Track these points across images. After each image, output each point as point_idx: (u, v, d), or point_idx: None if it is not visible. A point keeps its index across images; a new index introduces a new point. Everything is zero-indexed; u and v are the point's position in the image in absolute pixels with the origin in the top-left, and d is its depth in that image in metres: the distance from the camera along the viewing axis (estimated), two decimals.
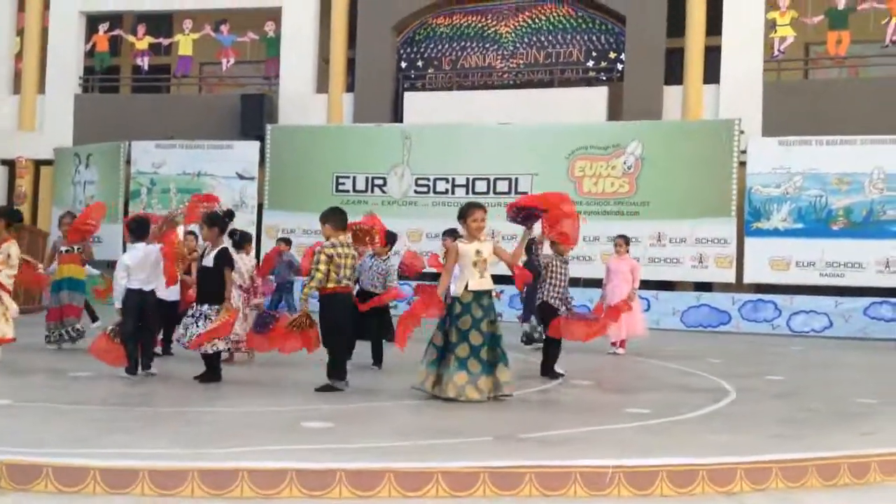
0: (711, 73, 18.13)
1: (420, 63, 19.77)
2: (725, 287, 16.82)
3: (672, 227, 16.66)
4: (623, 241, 11.44)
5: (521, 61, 19.26)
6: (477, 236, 6.95)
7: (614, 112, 18.36)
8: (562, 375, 8.31)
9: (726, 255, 16.40)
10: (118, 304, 7.65)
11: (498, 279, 7.55)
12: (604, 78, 18.82)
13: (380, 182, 18.12)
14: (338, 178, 18.27)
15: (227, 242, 7.79)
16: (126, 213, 19.11)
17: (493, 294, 6.97)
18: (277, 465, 4.13)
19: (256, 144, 18.75)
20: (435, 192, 17.87)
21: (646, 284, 16.62)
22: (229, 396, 6.55)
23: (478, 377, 6.72)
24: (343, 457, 4.38)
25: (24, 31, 21.31)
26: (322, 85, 20.07)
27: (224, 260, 7.45)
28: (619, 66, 18.58)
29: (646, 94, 18.12)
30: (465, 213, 7.06)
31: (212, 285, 7.37)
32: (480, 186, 17.68)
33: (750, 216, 16.43)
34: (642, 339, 11.39)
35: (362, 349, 8.61)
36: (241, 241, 9.15)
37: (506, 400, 6.70)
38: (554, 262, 8.86)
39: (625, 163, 17.02)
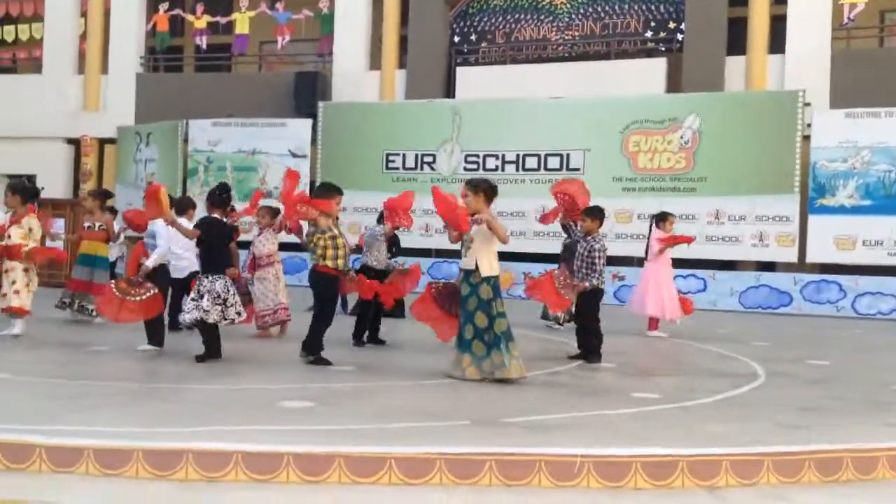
0: (776, 43, 17.31)
1: (473, 37, 19.44)
2: (787, 267, 16.13)
3: (731, 203, 16.00)
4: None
5: (576, 33, 18.76)
6: None
7: (673, 84, 17.73)
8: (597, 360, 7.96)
9: (788, 233, 15.67)
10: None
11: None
12: (663, 49, 18.21)
13: (429, 159, 17.89)
14: (388, 155, 18.11)
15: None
16: (184, 190, 19.40)
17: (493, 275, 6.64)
18: (224, 447, 3.98)
19: (309, 122, 18.73)
20: (485, 169, 17.53)
21: (703, 264, 16.13)
22: (223, 374, 6.45)
23: (482, 359, 6.50)
24: (305, 439, 4.22)
25: (87, 13, 21.72)
26: (375, 62, 19.94)
27: None
28: (679, 37, 17.93)
29: (707, 66, 17.42)
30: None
31: None
32: (531, 163, 17.30)
33: (814, 192, 15.64)
34: (673, 323, 10.87)
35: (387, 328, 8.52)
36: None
37: (511, 382, 6.46)
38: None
39: (682, 137, 16.39)
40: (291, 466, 3.93)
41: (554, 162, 17.18)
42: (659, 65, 17.89)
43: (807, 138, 15.66)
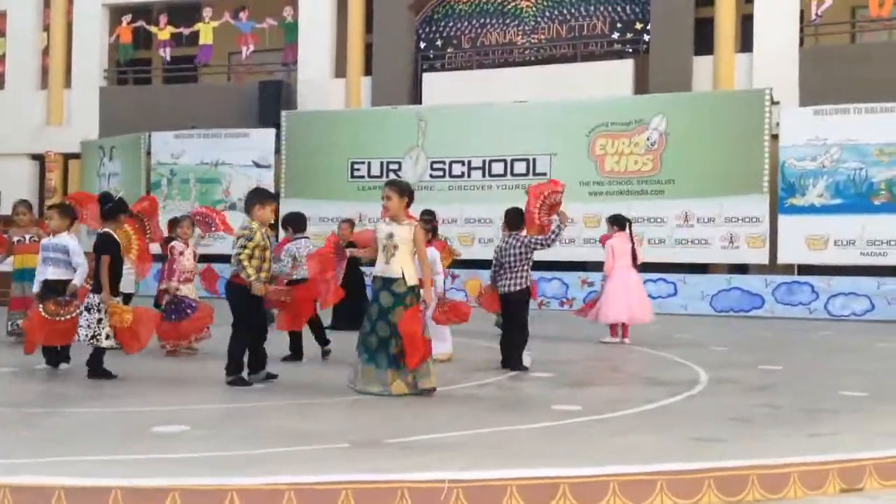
0: (744, 42, 17.01)
1: (439, 42, 19.12)
2: (759, 269, 15.76)
3: (700, 205, 15.62)
4: (607, 223, 10.72)
5: (542, 36, 18.45)
6: (385, 216, 6.34)
7: (641, 86, 17.41)
8: (525, 369, 7.60)
9: (759, 234, 15.29)
10: None
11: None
12: (630, 50, 17.89)
13: (395, 167, 17.51)
14: (353, 163, 17.74)
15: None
16: None
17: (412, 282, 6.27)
18: (46, 482, 3.58)
19: (272, 132, 18.37)
20: (451, 176, 17.20)
21: (673, 268, 15.76)
22: (112, 395, 6.05)
23: (384, 372, 6.13)
24: (152, 469, 3.83)
25: (49, 27, 21.39)
26: (341, 69, 19.60)
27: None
28: (646, 38, 17.61)
29: (674, 66, 17.10)
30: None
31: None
32: (497, 168, 16.94)
33: (784, 192, 15.27)
34: (646, 324, 10.49)
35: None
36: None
37: (424, 395, 6.08)
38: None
39: (648, 139, 16.03)
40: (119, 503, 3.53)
41: (520, 167, 16.81)
42: (626, 66, 17.57)
43: (775, 137, 15.31)
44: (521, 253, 7.70)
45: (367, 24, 19.34)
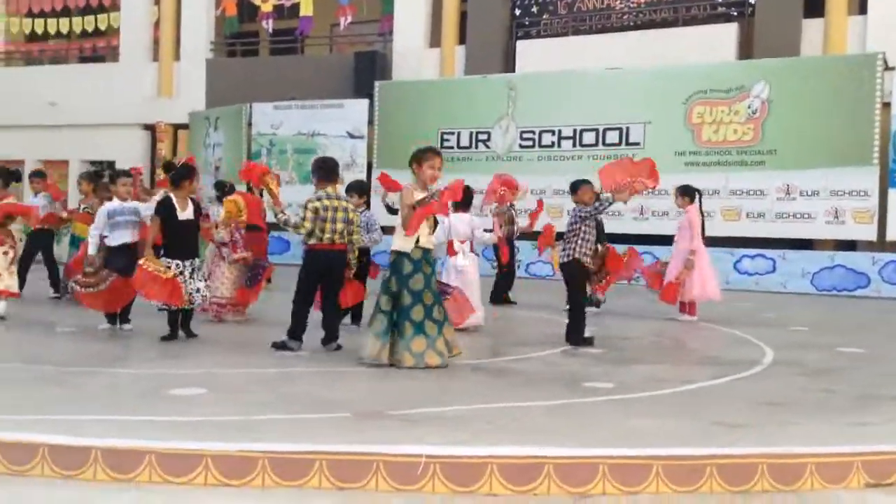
0: (859, 3, 15.89)
1: (535, 9, 18.69)
2: (866, 246, 14.84)
3: (803, 178, 14.78)
4: (679, 194, 10.08)
5: (642, 0, 17.75)
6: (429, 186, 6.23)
7: (745, 51, 16.57)
8: (586, 342, 7.37)
9: (866, 208, 14.36)
10: None
11: None
12: (734, 14, 17.00)
13: (484, 137, 17.33)
14: (443, 134, 17.64)
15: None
16: None
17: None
18: (31, 439, 3.68)
19: (365, 102, 18.47)
20: (540, 146, 16.87)
21: (773, 243, 15.02)
22: (150, 358, 6.23)
23: (435, 340, 6.05)
24: (153, 433, 3.89)
25: (160, 1, 22.12)
26: (435, 39, 19.49)
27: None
28: (752, 0, 16.68)
29: (781, 30, 16.16)
30: (419, 157, 6.32)
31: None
32: (588, 138, 16.50)
33: (895, 164, 14.28)
34: (715, 301, 10.00)
35: None
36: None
37: (453, 364, 5.98)
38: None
39: (749, 107, 15.24)
40: (99, 462, 3.59)
41: (613, 136, 16.33)
42: (729, 31, 16.72)
43: (887, 105, 14.29)
44: (570, 223, 7.48)
45: None
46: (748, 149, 15.26)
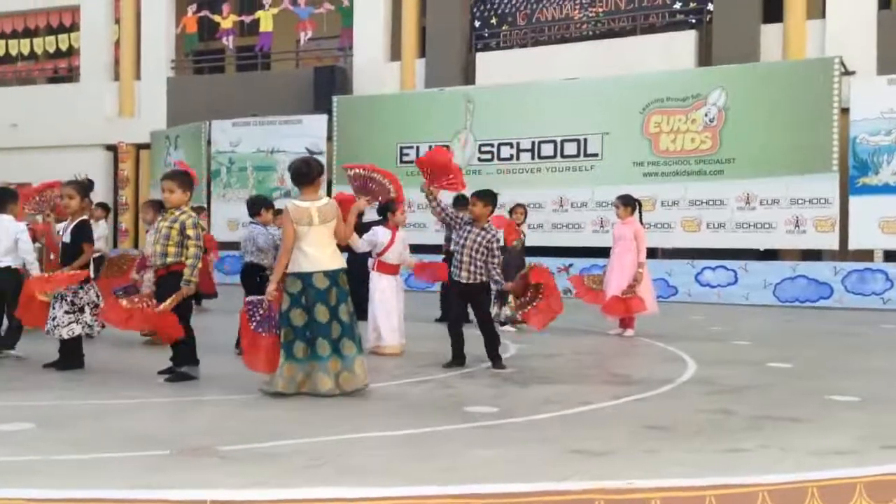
0: (816, 7, 15.62)
1: (494, 21, 18.45)
2: (828, 255, 14.51)
3: (763, 186, 14.46)
4: (621, 203, 9.69)
5: (600, 9, 17.51)
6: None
7: (704, 59, 16.34)
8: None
9: (828, 217, 14.03)
10: None
11: None
12: (693, 21, 16.74)
13: None
14: (401, 148, 17.33)
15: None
16: (208, 192, 19.23)
17: None
18: None
19: (324, 118, 18.18)
20: (499, 159, 16.56)
21: (733, 254, 14.68)
22: (16, 388, 5.85)
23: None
24: None
25: (120, 19, 21.88)
26: (396, 53, 19.23)
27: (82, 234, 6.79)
28: (710, 6, 16.43)
29: (740, 36, 15.93)
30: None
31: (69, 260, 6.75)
32: (547, 150, 16.19)
33: (855, 170, 13.95)
34: (651, 315, 9.63)
35: None
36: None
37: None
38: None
39: (706, 115, 14.94)
40: None
41: (571, 148, 16.02)
42: (688, 38, 16.50)
43: (846, 111, 13.99)
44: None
45: (423, 5, 18.88)
46: (706, 158, 14.95)
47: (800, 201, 14.20)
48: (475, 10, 18.63)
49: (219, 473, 3.69)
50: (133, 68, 21.78)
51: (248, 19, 20.86)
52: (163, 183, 6.31)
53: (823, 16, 15.47)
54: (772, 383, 6.44)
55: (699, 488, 3.53)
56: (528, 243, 15.94)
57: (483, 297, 6.91)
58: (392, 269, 7.94)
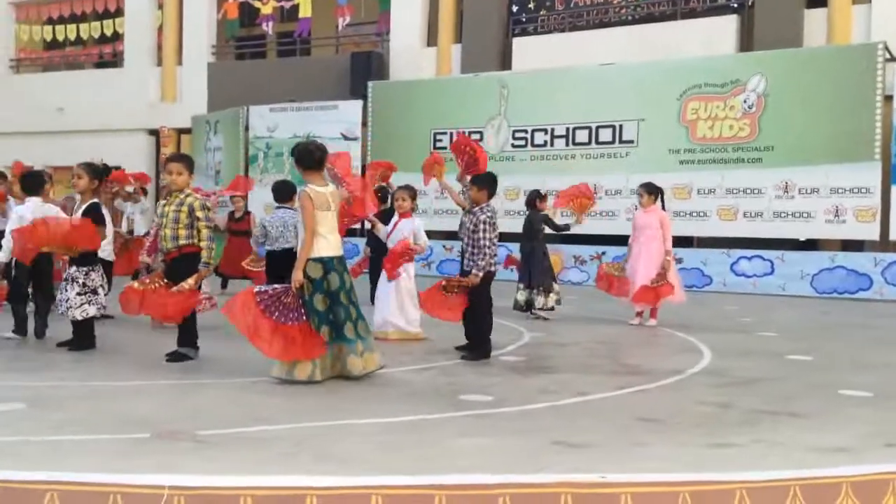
0: None
1: (532, 5, 18.21)
2: (868, 245, 14.10)
3: (802, 174, 14.08)
4: (645, 192, 9.51)
5: None
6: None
7: (746, 44, 15.92)
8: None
9: (869, 206, 13.61)
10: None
11: None
12: (734, 5, 16.33)
13: (476, 137, 16.84)
14: (435, 134, 17.26)
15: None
16: (246, 175, 19.36)
17: None
18: None
19: (359, 103, 18.16)
20: (533, 145, 16.38)
21: (771, 243, 14.36)
22: (16, 368, 5.94)
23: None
24: None
25: (163, 5, 22.11)
26: (433, 38, 19.14)
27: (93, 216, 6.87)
28: None
29: (782, 21, 15.48)
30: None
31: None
32: (581, 136, 15.96)
33: None
34: (679, 304, 9.45)
35: None
36: None
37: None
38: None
39: (745, 101, 14.58)
40: None
41: (606, 134, 15.77)
42: (729, 23, 16.08)
43: (889, 98, 13.55)
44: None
45: None
46: (744, 145, 14.60)
47: (840, 190, 13.81)
48: None
49: (193, 458, 3.70)
50: (175, 54, 22.00)
51: (287, 5, 20.89)
52: (170, 165, 6.35)
53: (870, 0, 14.96)
54: (785, 376, 6.27)
55: (673, 484, 3.43)
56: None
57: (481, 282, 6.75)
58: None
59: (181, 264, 6.23)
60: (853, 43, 14.89)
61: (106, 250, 8.22)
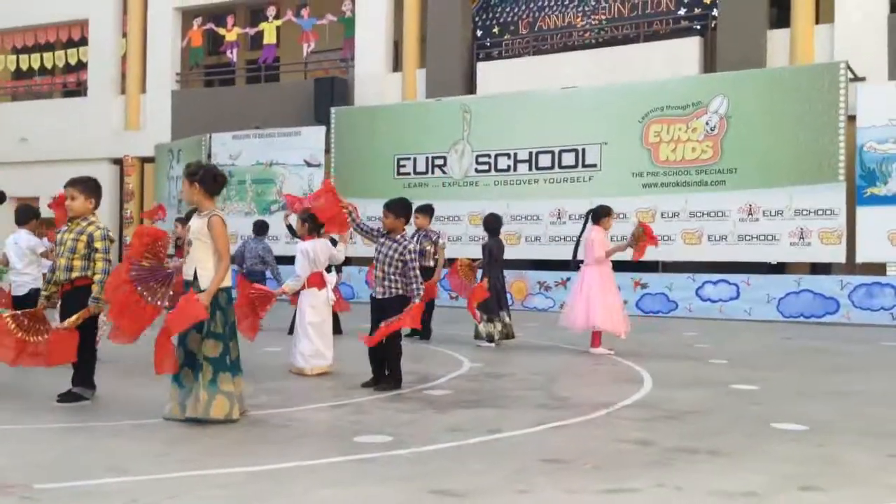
0: (825, 12, 14.97)
1: (496, 30, 18.04)
2: (834, 268, 13.81)
3: (766, 197, 13.80)
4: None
5: (603, 17, 17.01)
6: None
7: (709, 66, 15.75)
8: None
9: (834, 228, 13.32)
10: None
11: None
12: (697, 27, 16.16)
13: (440, 162, 16.58)
14: (398, 160, 16.95)
15: None
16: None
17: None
18: None
19: (322, 129, 17.87)
20: (496, 170, 16.07)
21: (736, 267, 14.05)
22: None
23: (188, 393, 5.29)
24: None
25: (127, 34, 21.86)
26: (397, 63, 18.93)
27: None
28: (716, 12, 15.85)
29: (746, 42, 15.33)
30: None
31: None
32: (544, 161, 15.67)
33: (862, 180, 13.24)
34: (619, 336, 9.08)
35: None
36: None
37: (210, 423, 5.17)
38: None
39: (707, 123, 14.33)
40: None
41: (569, 158, 15.48)
42: (692, 45, 15.92)
43: (853, 118, 13.31)
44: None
45: (424, 15, 18.55)
46: (708, 168, 14.33)
47: (805, 212, 13.53)
48: (477, 19, 18.25)
49: None
50: (139, 82, 21.74)
51: (252, 31, 20.70)
52: (65, 190, 5.98)
53: (832, 20, 14.80)
54: (720, 408, 5.91)
55: None
56: (525, 255, 15.67)
57: (398, 311, 6.38)
58: (320, 282, 7.47)
59: (72, 299, 5.83)
60: (816, 63, 14.70)
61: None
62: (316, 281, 7.28)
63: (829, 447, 4.71)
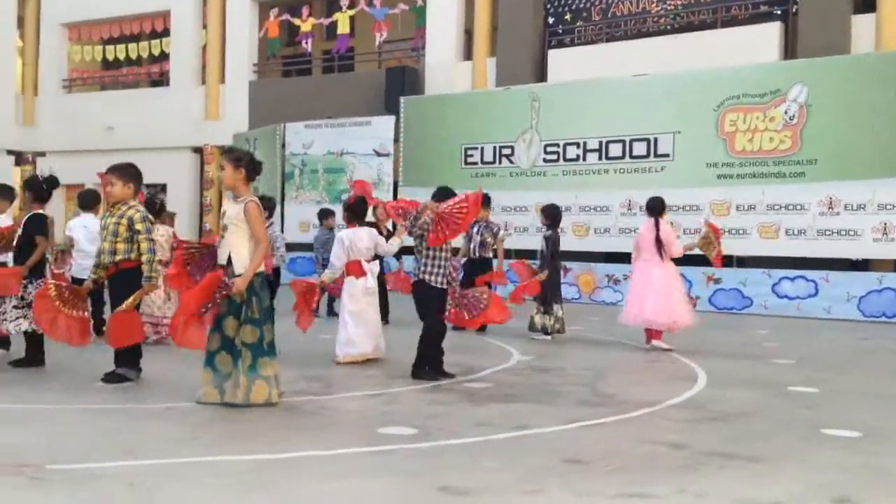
0: None
1: (568, 17, 17.69)
2: None
3: (847, 190, 13.17)
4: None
5: (679, 2, 16.50)
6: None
7: (790, 52, 15.11)
8: (451, 375, 6.47)
9: None
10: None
11: None
12: (777, 13, 15.52)
13: (507, 151, 16.39)
14: (466, 149, 16.82)
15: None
16: (283, 194, 19.26)
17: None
18: None
19: (391, 119, 17.86)
20: (565, 159, 15.78)
21: (815, 263, 13.47)
22: None
23: (225, 378, 5.30)
24: None
25: (207, 25, 22.28)
26: (468, 52, 18.78)
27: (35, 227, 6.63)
28: None
29: (828, 28, 14.62)
30: None
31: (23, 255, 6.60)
32: (615, 150, 15.30)
33: None
34: (684, 327, 8.77)
35: None
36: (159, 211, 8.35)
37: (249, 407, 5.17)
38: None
39: (786, 112, 13.74)
40: None
41: (640, 148, 15.08)
42: (772, 31, 15.28)
43: None
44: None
45: (496, 3, 18.34)
46: (786, 159, 13.75)
47: (889, 206, 12.86)
48: (549, 6, 17.92)
49: (17, 497, 3.32)
50: (218, 72, 22.13)
51: (326, 22, 20.84)
52: (106, 176, 6.09)
53: None
54: (770, 411, 5.62)
55: None
56: (594, 248, 15.35)
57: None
58: (360, 270, 7.41)
59: (118, 281, 5.93)
60: None
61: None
62: (354, 269, 7.24)
63: (879, 457, 4.41)
